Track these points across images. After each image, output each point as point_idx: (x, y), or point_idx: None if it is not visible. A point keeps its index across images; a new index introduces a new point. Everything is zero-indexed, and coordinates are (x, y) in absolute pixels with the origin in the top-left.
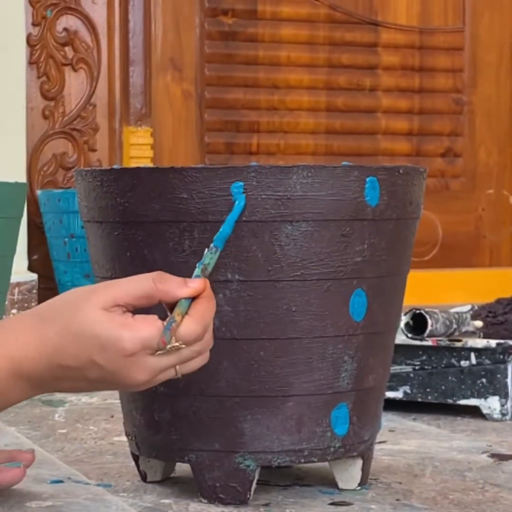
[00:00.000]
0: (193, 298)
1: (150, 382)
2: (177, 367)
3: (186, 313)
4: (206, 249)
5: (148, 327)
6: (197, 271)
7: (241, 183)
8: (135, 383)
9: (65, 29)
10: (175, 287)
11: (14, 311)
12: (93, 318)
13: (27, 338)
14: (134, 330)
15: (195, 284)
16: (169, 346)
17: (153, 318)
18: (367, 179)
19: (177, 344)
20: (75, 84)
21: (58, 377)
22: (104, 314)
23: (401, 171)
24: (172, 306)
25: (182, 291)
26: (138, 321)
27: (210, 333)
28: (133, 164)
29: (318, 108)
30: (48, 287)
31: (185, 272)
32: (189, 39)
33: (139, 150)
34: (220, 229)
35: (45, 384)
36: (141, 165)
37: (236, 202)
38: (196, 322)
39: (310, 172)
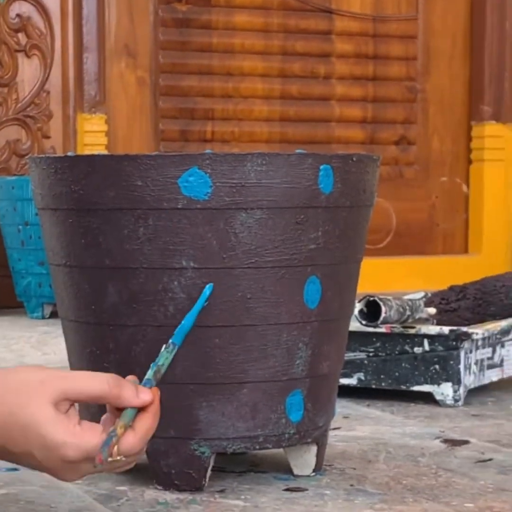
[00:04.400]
0: (139, 408)
1: (77, 479)
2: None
3: (130, 425)
4: (164, 346)
5: (94, 438)
6: (149, 373)
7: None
8: (63, 479)
9: (18, 15)
10: (127, 396)
11: None
12: (41, 414)
13: None
14: (80, 440)
15: (146, 396)
16: (109, 459)
17: (99, 429)
18: (321, 167)
19: (117, 458)
20: (28, 71)
21: None
22: (53, 412)
23: (354, 159)
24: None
25: (133, 401)
26: (84, 431)
27: (145, 446)
28: (87, 151)
29: (273, 96)
30: (2, 274)
31: (139, 259)
32: (143, 26)
33: (93, 137)
34: (181, 323)
35: None
36: (96, 152)
37: (201, 295)
38: (138, 439)
39: (264, 160)
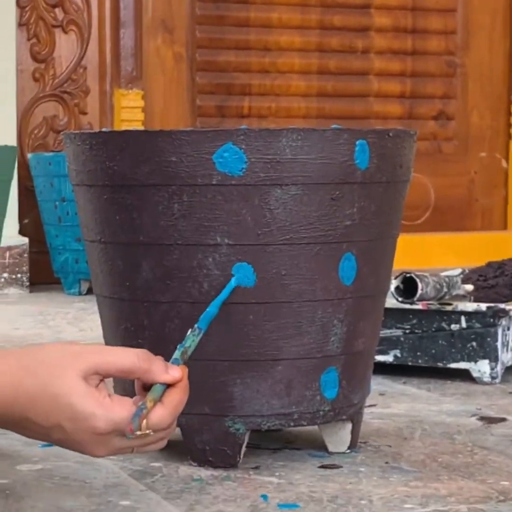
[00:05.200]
0: (168, 385)
1: (106, 455)
2: (135, 447)
3: (159, 400)
4: (190, 330)
5: (123, 411)
6: (177, 353)
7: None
8: (92, 454)
9: None
10: (156, 371)
11: (5, 275)
12: (72, 385)
13: (7, 381)
14: (109, 412)
15: (176, 372)
16: (138, 433)
17: (129, 402)
18: (357, 142)
19: (146, 432)
20: (65, 46)
21: (23, 426)
22: (83, 384)
23: (391, 134)
24: (146, 385)
25: (162, 377)
26: (114, 403)
27: (175, 423)
28: (124, 127)
29: (310, 71)
30: (39, 250)
31: (173, 235)
32: (180, 1)
33: (130, 113)
34: (206, 309)
35: (6, 425)
36: (132, 128)
37: (229, 282)
38: (168, 413)
39: (299, 135)
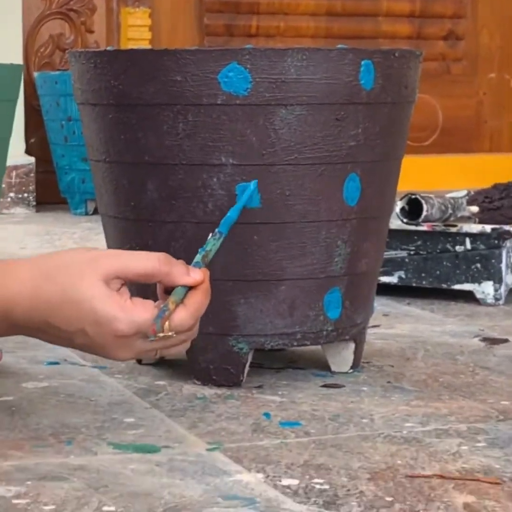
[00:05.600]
0: (189, 287)
1: (130, 358)
2: (159, 350)
3: (181, 301)
4: (210, 234)
5: (145, 313)
6: (198, 257)
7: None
8: (116, 358)
9: None
10: (177, 273)
11: (11, 194)
12: (93, 290)
13: (25, 288)
14: (131, 314)
15: (197, 275)
16: (160, 334)
17: (150, 304)
18: (362, 63)
19: (169, 333)
20: None
21: (43, 331)
22: (104, 289)
23: (396, 55)
24: (167, 288)
25: (183, 279)
26: (136, 305)
27: (198, 326)
28: (131, 45)
29: None
30: (46, 170)
31: (178, 155)
32: None
33: (137, 31)
34: (227, 214)
35: (28, 332)
36: (139, 47)
37: (247, 189)
38: (190, 314)
39: (304, 55)
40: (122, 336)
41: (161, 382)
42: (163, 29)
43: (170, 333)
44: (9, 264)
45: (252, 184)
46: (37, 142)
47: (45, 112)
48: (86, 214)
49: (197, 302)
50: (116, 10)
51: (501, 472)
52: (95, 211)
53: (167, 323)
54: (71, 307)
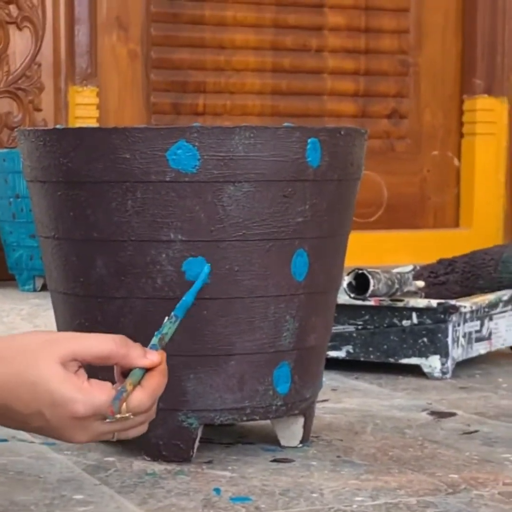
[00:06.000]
0: (147, 369)
1: (87, 441)
2: (116, 433)
3: (138, 383)
4: (166, 318)
5: (103, 395)
6: (154, 339)
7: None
8: (73, 440)
9: None
10: (134, 355)
11: None
12: (50, 371)
13: None
14: (89, 396)
15: (154, 357)
16: (118, 416)
17: (108, 386)
18: (309, 140)
19: (126, 415)
20: (20, 43)
21: (1, 414)
22: (61, 371)
23: (342, 132)
24: (124, 371)
25: (141, 361)
26: (93, 387)
27: (155, 407)
28: (79, 124)
29: (265, 69)
30: None
31: (127, 232)
32: None
33: (84, 110)
34: (183, 298)
35: None
36: (87, 125)
37: (201, 272)
38: (147, 396)
39: (252, 133)
40: (80, 418)
41: (111, 458)
42: (111, 108)
43: (127, 415)
44: None
45: (206, 267)
46: None
47: None
48: (34, 290)
49: (155, 383)
50: (64, 89)
51: None
52: (43, 288)
53: (124, 404)
54: (27, 389)
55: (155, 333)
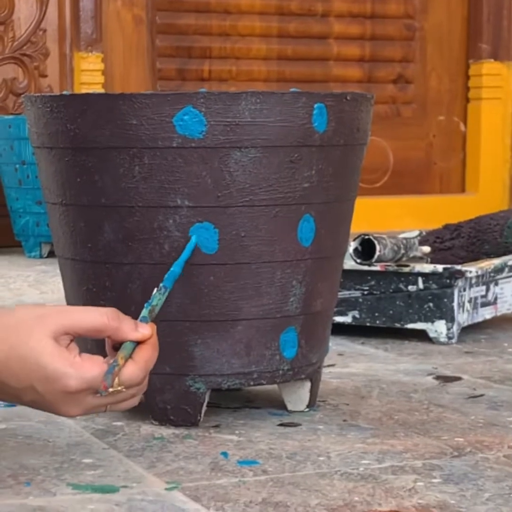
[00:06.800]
0: (138, 342)
1: (80, 415)
2: (109, 405)
3: (130, 356)
4: (155, 289)
5: (94, 369)
6: (144, 311)
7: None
8: (66, 414)
9: None
10: (126, 328)
11: None
12: (42, 347)
13: None
14: (81, 371)
15: (145, 330)
16: (111, 389)
17: (99, 360)
18: (315, 105)
19: (119, 388)
20: (24, 9)
21: None
22: (53, 345)
23: (348, 98)
24: (115, 344)
25: (132, 334)
26: (85, 361)
27: (147, 379)
28: (84, 90)
29: (270, 34)
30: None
31: (134, 198)
32: None
33: (90, 76)
34: (171, 269)
35: None
36: (92, 91)
37: (189, 242)
38: (139, 368)
39: (258, 98)
40: (72, 392)
41: (119, 423)
42: (116, 73)
43: (120, 388)
44: None
45: (193, 237)
46: None
47: None
48: (41, 257)
49: (146, 356)
50: (69, 55)
51: (456, 507)
52: (50, 254)
53: (117, 378)
54: (19, 364)
55: (145, 304)
